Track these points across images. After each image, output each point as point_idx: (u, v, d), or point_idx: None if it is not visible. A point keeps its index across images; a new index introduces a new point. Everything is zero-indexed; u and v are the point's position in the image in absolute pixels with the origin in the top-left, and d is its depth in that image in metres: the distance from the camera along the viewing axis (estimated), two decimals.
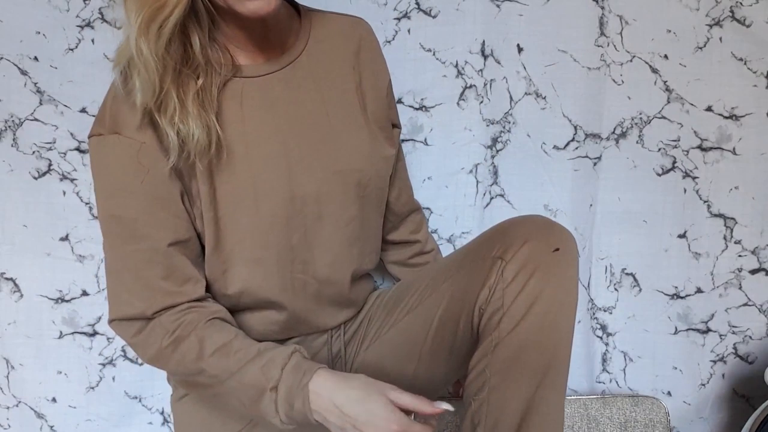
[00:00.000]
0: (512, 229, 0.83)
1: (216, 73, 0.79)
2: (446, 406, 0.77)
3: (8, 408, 1.25)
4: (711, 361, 1.31)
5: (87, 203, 1.20)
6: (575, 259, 0.81)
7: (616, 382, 1.32)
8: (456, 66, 1.21)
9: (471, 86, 1.21)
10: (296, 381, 0.76)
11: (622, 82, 1.22)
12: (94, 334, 1.24)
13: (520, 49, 1.21)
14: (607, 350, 1.31)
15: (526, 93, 1.23)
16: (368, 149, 0.90)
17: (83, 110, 1.17)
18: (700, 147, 1.24)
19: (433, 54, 1.21)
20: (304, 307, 0.90)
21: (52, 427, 1.26)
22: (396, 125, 1.02)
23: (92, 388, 1.26)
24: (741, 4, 1.19)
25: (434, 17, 1.20)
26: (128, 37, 0.72)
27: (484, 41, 1.20)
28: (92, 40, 1.15)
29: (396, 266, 1.12)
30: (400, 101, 1.20)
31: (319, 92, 0.86)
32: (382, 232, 1.03)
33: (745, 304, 1.28)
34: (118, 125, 0.77)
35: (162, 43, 0.72)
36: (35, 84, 1.16)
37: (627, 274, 1.29)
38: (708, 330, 1.29)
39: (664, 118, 1.23)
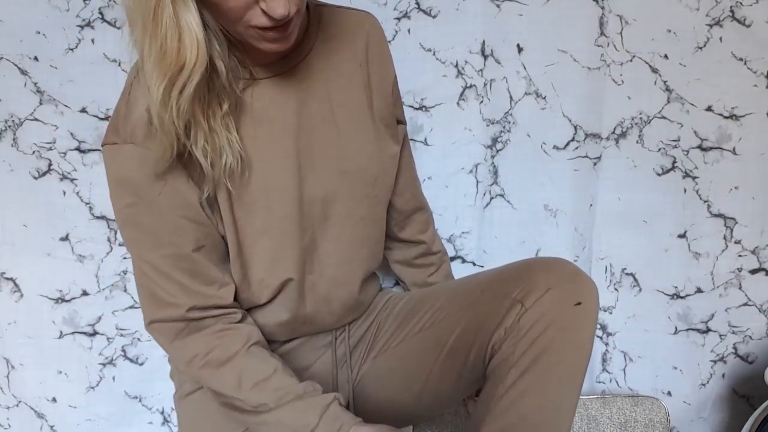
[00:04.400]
0: (537, 273, 0.81)
1: (237, 89, 0.78)
2: None
3: (8, 408, 1.25)
4: (711, 361, 1.31)
5: (87, 203, 1.20)
6: (595, 314, 0.80)
7: (616, 382, 1.32)
8: (456, 66, 1.21)
9: (471, 86, 1.21)
10: (333, 430, 0.77)
11: (622, 82, 1.22)
12: (94, 334, 1.24)
13: (520, 49, 1.21)
14: (607, 350, 1.32)
15: (526, 93, 1.23)
16: (375, 148, 0.89)
17: (83, 110, 1.17)
18: (700, 147, 1.24)
19: (433, 54, 1.21)
20: (313, 307, 0.90)
21: (52, 427, 1.26)
22: (401, 121, 1.01)
23: (92, 388, 1.26)
24: (741, 4, 1.19)
25: (434, 17, 1.20)
26: (148, 93, 0.70)
27: (484, 41, 1.20)
28: (92, 40, 1.15)
29: (400, 265, 1.12)
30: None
31: (326, 90, 0.85)
32: (386, 230, 1.03)
33: (745, 304, 1.28)
34: (134, 135, 0.75)
35: (183, 110, 0.70)
36: (35, 84, 1.16)
37: (627, 274, 1.29)
38: (708, 330, 1.29)
39: (664, 118, 1.23)
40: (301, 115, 0.83)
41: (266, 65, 0.81)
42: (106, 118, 1.18)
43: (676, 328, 1.30)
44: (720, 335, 1.29)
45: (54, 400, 1.25)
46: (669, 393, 1.32)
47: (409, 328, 0.93)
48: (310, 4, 0.87)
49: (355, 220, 0.89)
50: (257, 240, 0.83)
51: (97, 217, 1.21)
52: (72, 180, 1.19)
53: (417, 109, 1.22)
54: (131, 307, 1.24)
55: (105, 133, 0.79)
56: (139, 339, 1.25)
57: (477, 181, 1.25)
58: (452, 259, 1.27)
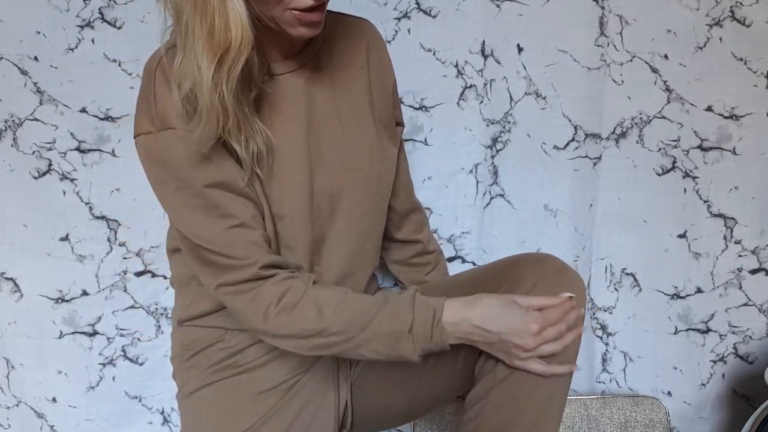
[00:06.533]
0: (523, 267, 0.84)
1: (259, 80, 0.80)
2: (568, 294, 0.81)
3: (8, 408, 1.25)
4: (711, 361, 1.31)
5: (87, 203, 1.20)
6: (582, 306, 0.82)
7: (616, 382, 1.32)
8: (456, 66, 1.21)
9: (471, 86, 1.21)
10: (429, 318, 0.79)
11: (622, 82, 1.22)
12: (94, 334, 1.24)
13: (520, 49, 1.21)
14: (607, 350, 1.31)
15: (526, 93, 1.23)
16: (376, 148, 0.92)
17: (83, 110, 1.17)
18: (700, 147, 1.24)
19: (433, 54, 1.21)
20: None
21: (52, 427, 1.26)
22: (399, 123, 1.03)
23: (92, 388, 1.26)
24: (741, 4, 1.19)
25: (434, 17, 1.20)
26: (197, 73, 0.71)
27: (484, 41, 1.20)
28: (92, 40, 1.15)
29: (397, 265, 1.13)
30: (400, 101, 1.20)
31: (332, 90, 0.88)
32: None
33: (745, 304, 1.28)
34: (170, 121, 0.76)
35: (231, 88, 0.73)
36: (35, 84, 1.16)
37: (627, 274, 1.29)
38: (708, 330, 1.29)
39: (664, 118, 1.23)
40: (311, 111, 0.86)
41: (280, 62, 0.84)
42: (106, 118, 1.18)
43: (676, 328, 1.30)
44: (720, 335, 1.29)
45: (54, 400, 1.25)
46: (669, 393, 1.32)
47: None
48: None
49: (360, 215, 0.91)
50: (271, 229, 0.85)
51: (97, 217, 1.21)
52: (72, 180, 1.19)
53: (417, 109, 1.22)
54: (131, 307, 1.24)
55: (135, 125, 0.79)
56: (139, 339, 1.25)
57: (477, 181, 1.24)
58: (452, 259, 1.27)
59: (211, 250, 0.80)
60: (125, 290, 1.23)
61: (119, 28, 1.15)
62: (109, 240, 1.22)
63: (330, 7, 0.95)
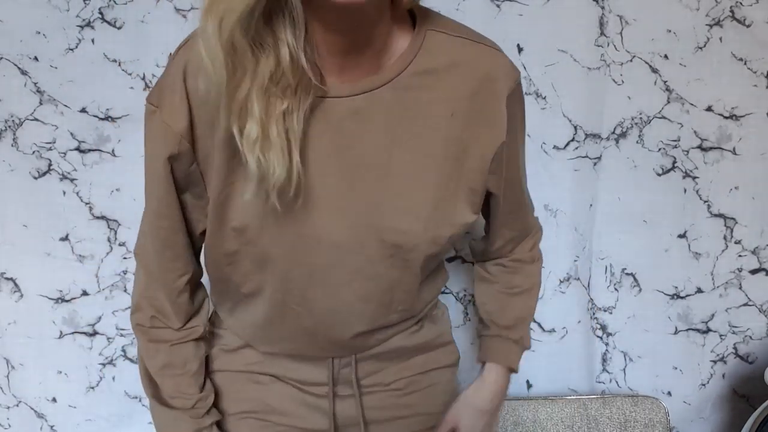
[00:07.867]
0: None
1: (306, 96, 0.66)
2: None
3: (8, 408, 1.25)
4: (711, 361, 1.31)
5: (87, 203, 1.20)
6: None
7: (616, 382, 1.32)
8: None
9: None
10: None
11: (622, 82, 1.22)
12: (94, 334, 1.24)
13: (520, 49, 1.21)
14: (607, 350, 1.31)
15: (526, 93, 1.22)
16: (427, 212, 0.73)
17: (83, 110, 1.17)
18: (700, 147, 1.24)
19: None
20: (291, 333, 0.83)
21: (52, 427, 1.26)
22: (494, 193, 0.81)
23: (92, 388, 1.26)
24: (741, 4, 1.19)
25: None
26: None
27: None
28: (92, 40, 1.15)
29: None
30: None
31: (390, 133, 0.71)
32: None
33: (745, 304, 1.28)
34: (164, 101, 0.70)
35: (233, 27, 0.59)
36: (35, 84, 1.16)
37: (627, 274, 1.29)
38: (708, 330, 1.29)
39: (664, 118, 1.23)
40: (350, 150, 0.71)
41: (331, 83, 0.69)
42: (106, 118, 1.18)
43: (676, 328, 1.30)
44: (720, 335, 1.29)
45: (54, 400, 1.25)
46: (669, 393, 1.32)
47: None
48: (419, 23, 0.71)
49: (368, 276, 0.77)
50: (245, 244, 0.75)
51: (97, 217, 1.21)
52: (72, 180, 1.19)
53: None
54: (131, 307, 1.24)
55: (155, 84, 0.75)
56: None
57: None
58: (452, 259, 1.27)
59: (146, 235, 0.84)
60: (125, 290, 1.23)
61: (119, 28, 1.15)
62: (109, 240, 1.22)
63: None
